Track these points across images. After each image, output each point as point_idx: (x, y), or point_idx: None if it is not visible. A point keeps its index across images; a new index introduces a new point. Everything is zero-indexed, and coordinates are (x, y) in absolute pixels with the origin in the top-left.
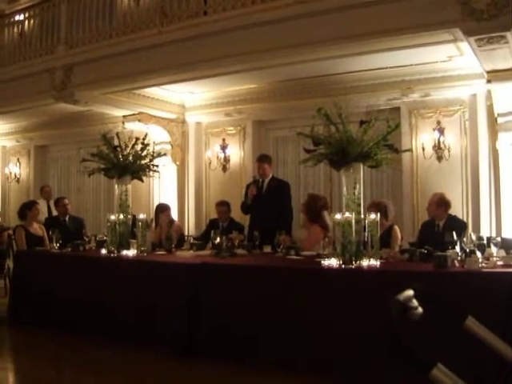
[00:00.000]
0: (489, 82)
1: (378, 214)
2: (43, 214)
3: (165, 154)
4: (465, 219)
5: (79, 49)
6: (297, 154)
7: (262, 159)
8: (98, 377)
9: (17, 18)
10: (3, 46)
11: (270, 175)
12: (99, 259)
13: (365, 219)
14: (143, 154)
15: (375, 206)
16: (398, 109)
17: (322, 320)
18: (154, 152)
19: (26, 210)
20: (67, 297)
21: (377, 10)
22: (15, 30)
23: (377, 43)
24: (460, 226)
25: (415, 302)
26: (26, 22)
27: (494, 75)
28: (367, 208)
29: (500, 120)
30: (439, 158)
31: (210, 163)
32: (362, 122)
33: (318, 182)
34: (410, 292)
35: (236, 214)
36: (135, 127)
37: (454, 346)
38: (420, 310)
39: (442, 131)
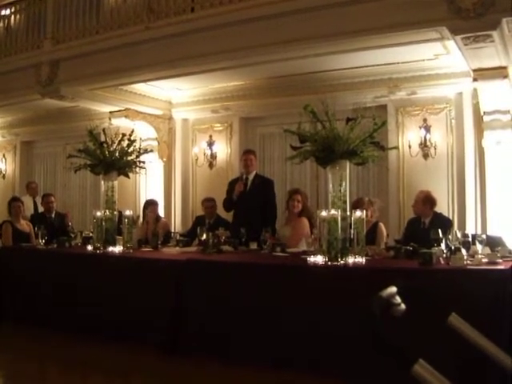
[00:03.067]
0: (475, 80)
1: (364, 212)
2: (29, 211)
3: (151, 151)
4: (450, 217)
5: (66, 44)
6: (283, 151)
7: (250, 151)
8: (82, 374)
9: (3, 12)
10: None
11: (254, 172)
12: (85, 256)
13: (351, 216)
14: (130, 151)
15: (359, 203)
16: (384, 106)
17: (307, 317)
18: (140, 148)
19: (10, 206)
20: (52, 293)
21: (364, 7)
22: (1, 24)
23: (364, 41)
24: (445, 224)
25: (398, 299)
26: (13, 16)
27: (480, 74)
28: (352, 205)
29: (486, 118)
30: (425, 156)
31: (196, 160)
32: (348, 120)
33: (304, 178)
34: (393, 289)
35: (222, 211)
36: (122, 123)
37: (436, 343)
38: (403, 306)
39: (428, 129)
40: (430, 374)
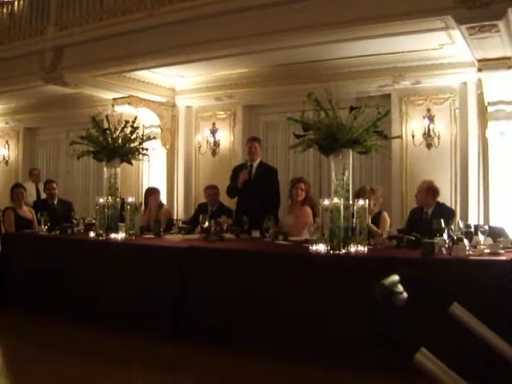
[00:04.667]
0: (479, 70)
1: (367, 201)
2: (31, 197)
3: (154, 138)
4: (453, 207)
5: (69, 30)
6: (287, 139)
7: (254, 138)
8: (83, 361)
9: None
10: None
11: (259, 160)
12: (87, 242)
13: (353, 205)
14: (133, 138)
15: (362, 192)
16: (388, 95)
17: (309, 305)
18: (143, 135)
19: (12, 192)
20: (54, 280)
21: None
22: (4, 10)
23: (369, 29)
24: (448, 214)
25: (400, 287)
26: (16, 2)
27: (485, 64)
28: (355, 194)
29: (490, 109)
30: (429, 146)
31: (199, 147)
32: (352, 108)
33: (307, 167)
34: (396, 277)
35: (225, 198)
36: (125, 110)
37: (438, 332)
38: (405, 295)
39: (431, 119)
40: (432, 363)
